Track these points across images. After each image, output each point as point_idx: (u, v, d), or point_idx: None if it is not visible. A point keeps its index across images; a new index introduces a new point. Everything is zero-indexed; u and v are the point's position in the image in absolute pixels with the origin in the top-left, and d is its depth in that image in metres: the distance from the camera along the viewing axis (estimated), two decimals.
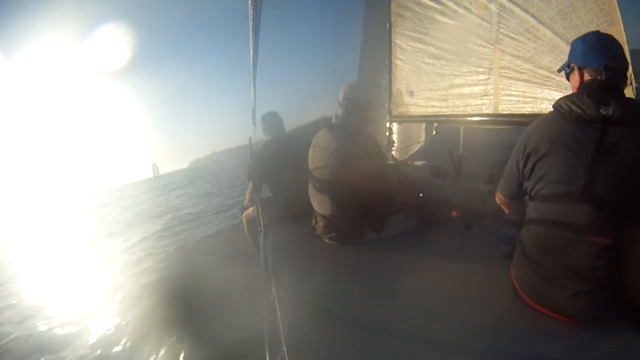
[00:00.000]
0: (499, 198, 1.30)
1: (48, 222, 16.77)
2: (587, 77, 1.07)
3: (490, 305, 1.16)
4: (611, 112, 0.95)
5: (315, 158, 1.93)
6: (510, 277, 1.19)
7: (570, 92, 1.13)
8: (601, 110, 0.97)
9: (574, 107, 1.01)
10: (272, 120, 2.63)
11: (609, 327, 0.96)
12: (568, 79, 1.18)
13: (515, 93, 1.95)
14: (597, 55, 1.04)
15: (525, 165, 1.10)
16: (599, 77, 1.04)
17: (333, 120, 1.98)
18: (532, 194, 1.10)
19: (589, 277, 0.96)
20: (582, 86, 1.07)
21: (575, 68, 1.11)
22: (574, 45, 1.15)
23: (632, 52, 1.45)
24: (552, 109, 1.10)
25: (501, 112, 2.04)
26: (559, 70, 1.23)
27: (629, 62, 1.35)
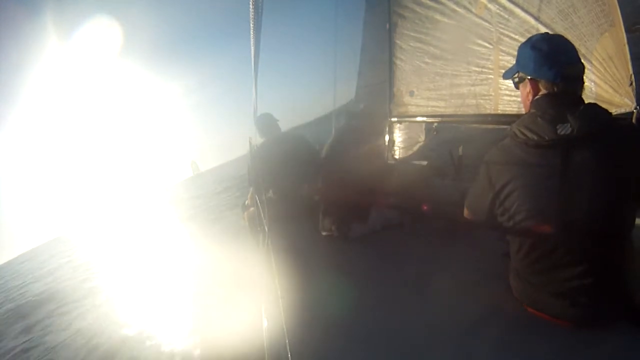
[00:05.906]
0: (466, 213, 1.19)
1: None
2: (541, 89, 0.96)
3: (490, 305, 1.16)
4: (570, 130, 0.87)
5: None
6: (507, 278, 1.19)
7: None
8: (559, 131, 0.88)
9: (529, 134, 0.92)
10: (266, 122, 2.63)
11: (608, 328, 0.96)
12: (516, 87, 1.06)
13: (516, 93, 1.95)
14: (551, 65, 0.92)
15: (493, 201, 1.02)
16: (554, 89, 0.93)
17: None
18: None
19: (587, 290, 0.94)
20: (535, 104, 0.96)
21: (527, 80, 0.99)
22: (522, 52, 1.00)
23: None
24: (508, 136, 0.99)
25: (501, 112, 2.04)
26: (505, 78, 1.10)
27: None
